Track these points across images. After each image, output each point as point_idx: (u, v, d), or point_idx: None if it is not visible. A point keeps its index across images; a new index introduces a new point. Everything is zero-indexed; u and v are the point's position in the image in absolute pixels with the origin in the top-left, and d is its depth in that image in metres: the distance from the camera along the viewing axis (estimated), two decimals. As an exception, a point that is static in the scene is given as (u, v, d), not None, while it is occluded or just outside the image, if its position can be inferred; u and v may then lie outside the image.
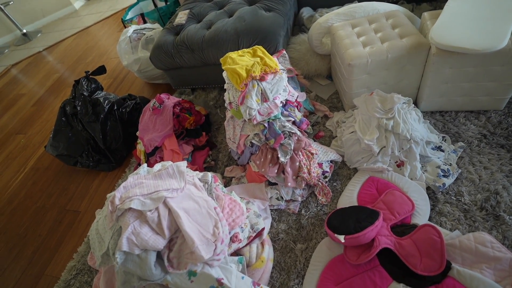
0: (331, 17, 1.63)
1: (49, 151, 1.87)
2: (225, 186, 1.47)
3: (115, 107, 1.80)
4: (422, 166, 1.26)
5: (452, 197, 1.16)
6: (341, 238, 1.03)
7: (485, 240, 0.95)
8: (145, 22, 2.59)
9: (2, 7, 3.78)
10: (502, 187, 1.13)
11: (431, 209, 1.14)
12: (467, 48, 1.13)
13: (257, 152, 1.35)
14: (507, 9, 1.19)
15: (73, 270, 1.38)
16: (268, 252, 1.15)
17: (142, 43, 2.15)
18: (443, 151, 1.29)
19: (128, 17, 2.59)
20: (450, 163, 1.24)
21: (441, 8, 1.34)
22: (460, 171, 1.21)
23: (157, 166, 1.10)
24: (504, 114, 1.34)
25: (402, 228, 1.07)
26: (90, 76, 1.88)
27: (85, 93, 1.78)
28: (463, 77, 1.27)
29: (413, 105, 1.34)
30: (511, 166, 1.18)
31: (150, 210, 0.92)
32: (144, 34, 2.20)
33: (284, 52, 1.57)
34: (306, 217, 1.26)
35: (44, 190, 1.87)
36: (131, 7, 2.68)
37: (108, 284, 1.09)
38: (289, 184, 1.26)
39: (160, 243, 0.91)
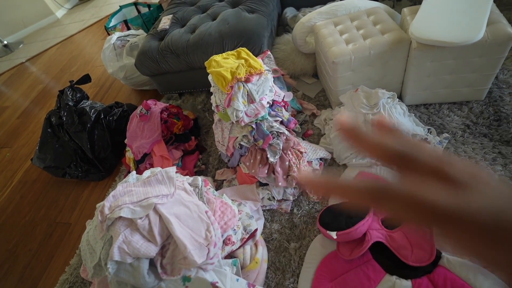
0: (313, 16, 1.65)
1: (36, 163, 1.83)
2: (217, 189, 1.47)
3: (102, 116, 1.78)
4: (409, 159, 1.28)
5: (440, 188, 1.18)
6: (333, 234, 1.04)
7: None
8: (128, 28, 2.57)
9: (-19, 19, 3.71)
10: (486, 175, 1.15)
11: (420, 201, 1.16)
12: (445, 41, 1.15)
13: (247, 153, 1.36)
14: (482, 1, 1.22)
15: (66, 284, 1.36)
16: (262, 253, 1.15)
17: (126, 50, 2.13)
18: (429, 143, 1.31)
19: (111, 24, 2.56)
20: (436, 155, 1.27)
21: (420, 3, 1.37)
22: (446, 162, 1.24)
23: (146, 173, 1.09)
24: (485, 104, 1.37)
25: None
26: (75, 86, 1.86)
27: (70, 103, 1.76)
28: (444, 69, 1.30)
29: (398, 99, 1.37)
30: (494, 154, 1.21)
31: (140, 218, 0.91)
32: (128, 40, 2.18)
33: (269, 53, 1.58)
34: (299, 215, 1.27)
35: (33, 204, 1.83)
36: (114, 14, 2.66)
37: (102, 295, 1.08)
38: (280, 183, 1.27)
39: (152, 250, 0.91)
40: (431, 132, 1.36)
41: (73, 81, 1.85)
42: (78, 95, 1.84)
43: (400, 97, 1.51)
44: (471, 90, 1.36)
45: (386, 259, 1.01)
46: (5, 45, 4.00)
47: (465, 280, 0.89)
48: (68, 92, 1.80)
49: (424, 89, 1.40)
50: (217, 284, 0.94)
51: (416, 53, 1.27)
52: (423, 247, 0.96)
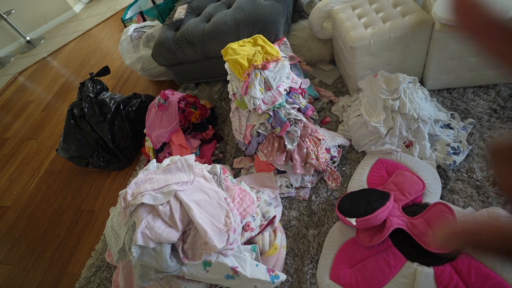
0: (330, 1, 1.60)
1: (61, 154, 1.91)
2: (234, 177, 1.48)
3: (121, 107, 1.82)
4: (432, 145, 1.25)
5: (464, 174, 1.14)
6: (353, 221, 1.03)
7: (499, 215, 0.94)
8: (144, 20, 2.59)
9: (5, 16, 3.83)
10: (515, 161, 1.11)
11: (443, 188, 1.13)
12: (473, 21, 1.09)
13: (264, 141, 1.36)
14: (513, -23, 1.14)
15: (93, 267, 1.43)
16: (280, 239, 1.16)
17: (143, 41, 2.15)
18: (452, 128, 1.27)
19: (127, 16, 2.59)
20: (460, 140, 1.22)
21: (444, -18, 1.30)
22: (470, 147, 1.19)
23: (166, 161, 1.11)
24: (515, 87, 1.31)
25: (414, 208, 1.07)
26: (95, 78, 1.90)
27: (91, 95, 1.81)
28: (469, 51, 1.24)
29: (419, 84, 1.32)
30: (524, 139, 1.15)
31: (162, 204, 0.94)
32: (145, 32, 2.20)
33: (285, 39, 1.56)
34: (317, 203, 1.27)
35: (59, 192, 1.92)
36: (129, 6, 2.68)
37: (127, 278, 1.12)
38: (298, 171, 1.26)
39: (173, 235, 0.93)
40: (454, 117, 1.31)
41: (93, 73, 1.89)
42: (98, 86, 1.89)
43: (422, 82, 1.46)
44: (499, 72, 1.29)
45: (407, 246, 0.99)
46: (28, 41, 4.13)
47: (491, 268, 0.86)
48: (89, 84, 1.85)
49: (447, 72, 1.34)
50: (237, 269, 0.96)
51: (439, 35, 1.21)
52: (446, 234, 0.94)
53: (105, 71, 1.90)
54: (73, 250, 1.57)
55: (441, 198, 1.11)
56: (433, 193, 1.11)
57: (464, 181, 1.13)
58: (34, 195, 1.98)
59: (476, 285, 0.85)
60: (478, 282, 0.85)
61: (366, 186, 1.21)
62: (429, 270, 0.91)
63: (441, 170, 1.18)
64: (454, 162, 1.16)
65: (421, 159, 1.22)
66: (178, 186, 0.97)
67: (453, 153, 1.19)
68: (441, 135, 1.25)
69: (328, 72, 1.77)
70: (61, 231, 1.69)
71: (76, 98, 1.88)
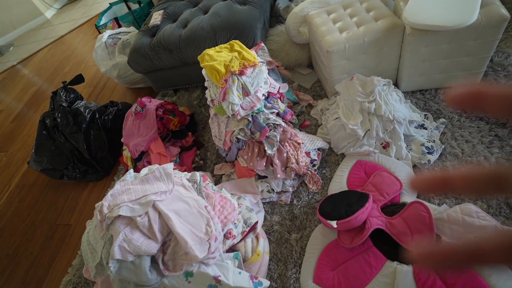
0: (306, 6, 1.63)
1: (33, 166, 1.82)
2: (216, 184, 1.46)
3: (97, 116, 1.76)
4: (407, 145, 1.28)
5: (438, 173, 1.18)
6: (334, 223, 1.04)
7: (471, 211, 0.98)
8: (119, 26, 2.54)
9: (-31, 23, 3.65)
10: (483, 158, 1.16)
11: (419, 187, 1.16)
12: (439, 26, 1.14)
13: (244, 147, 1.35)
14: (475, -17, 1.20)
15: (70, 285, 1.36)
16: (263, 245, 1.15)
17: (118, 47, 2.10)
18: (426, 128, 1.31)
19: (102, 22, 2.53)
20: (434, 140, 1.27)
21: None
22: (443, 146, 1.24)
23: (144, 171, 1.08)
24: (481, 87, 1.37)
25: (392, 208, 1.09)
26: (68, 86, 1.84)
27: (64, 104, 1.74)
28: (439, 54, 1.29)
29: (394, 86, 1.36)
30: (491, 137, 1.21)
31: (139, 216, 0.91)
32: (120, 38, 2.15)
33: (263, 44, 1.56)
34: (299, 206, 1.27)
35: (32, 207, 1.83)
36: (104, 12, 2.62)
37: (106, 294, 1.08)
38: (279, 175, 1.27)
39: (153, 247, 0.91)
40: (427, 118, 1.36)
41: (66, 81, 1.83)
42: (72, 95, 1.82)
43: (396, 84, 1.50)
44: (467, 74, 1.35)
45: (387, 245, 1.01)
46: (-5, 49, 3.95)
47: (466, 262, 0.89)
48: (62, 93, 1.78)
49: (419, 75, 1.39)
50: (219, 278, 0.94)
51: (410, 39, 1.26)
52: (423, 231, 0.97)
53: (79, 79, 1.84)
54: (48, 267, 1.50)
55: (418, 197, 1.14)
56: (410, 192, 1.14)
57: (439, 179, 1.16)
58: (4, 211, 1.87)
59: (451, 280, 0.87)
60: (454, 278, 0.88)
61: (346, 188, 1.23)
62: (408, 268, 0.93)
63: (417, 170, 1.21)
64: (429, 161, 1.20)
65: (397, 159, 1.25)
66: (156, 196, 0.94)
67: (427, 152, 1.23)
68: (416, 136, 1.29)
69: (306, 76, 1.80)
70: (34, 248, 1.61)
71: (49, 108, 1.81)
